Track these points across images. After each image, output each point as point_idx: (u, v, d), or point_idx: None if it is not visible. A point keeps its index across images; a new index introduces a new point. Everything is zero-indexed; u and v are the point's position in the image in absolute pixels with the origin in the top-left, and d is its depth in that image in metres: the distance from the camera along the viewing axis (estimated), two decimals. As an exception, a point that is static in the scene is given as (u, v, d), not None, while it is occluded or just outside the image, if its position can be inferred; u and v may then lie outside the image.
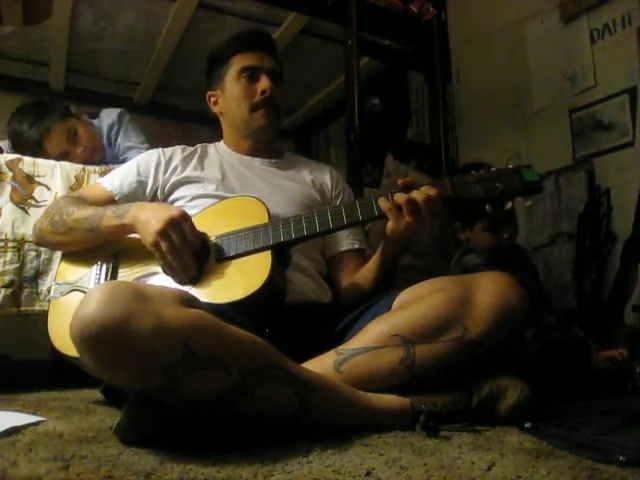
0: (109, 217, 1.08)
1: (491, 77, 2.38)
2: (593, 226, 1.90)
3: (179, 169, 1.27)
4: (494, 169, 1.01)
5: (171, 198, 1.26)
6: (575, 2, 2.03)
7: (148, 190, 1.25)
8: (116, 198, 1.22)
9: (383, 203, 1.01)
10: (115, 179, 1.25)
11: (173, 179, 1.26)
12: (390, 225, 1.04)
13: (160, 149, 1.33)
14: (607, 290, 1.79)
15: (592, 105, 1.96)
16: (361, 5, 2.09)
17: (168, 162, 1.28)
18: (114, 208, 1.11)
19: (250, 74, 1.29)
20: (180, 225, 1.01)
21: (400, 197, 0.99)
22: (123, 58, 2.67)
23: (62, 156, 1.65)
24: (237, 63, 1.30)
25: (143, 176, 1.26)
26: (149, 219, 1.02)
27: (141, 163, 1.28)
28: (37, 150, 1.62)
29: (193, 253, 1.02)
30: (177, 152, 1.32)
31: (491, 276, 1.00)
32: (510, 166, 1.02)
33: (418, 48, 2.43)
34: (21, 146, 1.65)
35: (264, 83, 1.27)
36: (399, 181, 1.03)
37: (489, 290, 0.95)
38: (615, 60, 1.90)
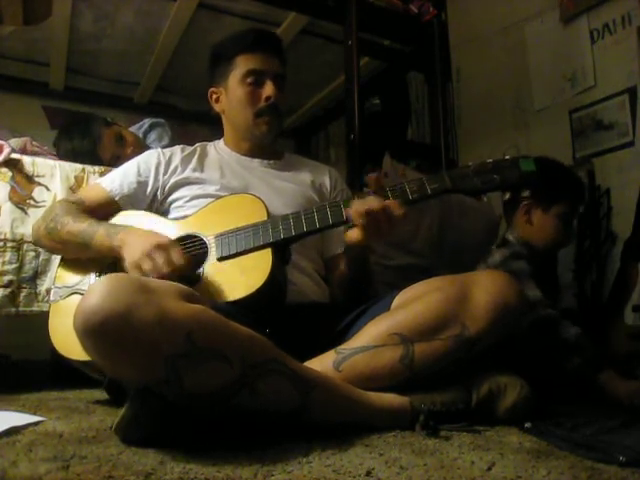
0: (101, 235, 1.07)
1: (491, 77, 2.38)
2: (593, 226, 1.90)
3: (179, 169, 1.27)
4: (491, 160, 1.01)
5: (170, 198, 1.26)
6: (575, 2, 2.02)
7: (148, 190, 1.25)
8: (116, 198, 1.22)
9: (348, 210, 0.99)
10: (115, 179, 1.25)
11: (173, 180, 1.26)
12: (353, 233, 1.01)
13: (159, 149, 1.33)
14: (607, 290, 1.79)
15: (592, 105, 1.96)
16: (361, 5, 2.09)
17: (168, 162, 1.28)
18: (107, 227, 1.10)
19: (255, 78, 1.26)
20: (167, 250, 0.98)
21: (361, 206, 0.96)
22: (123, 58, 2.66)
23: (114, 160, 1.70)
24: (242, 64, 1.27)
25: (143, 176, 1.25)
26: (136, 241, 1.01)
27: (141, 163, 1.28)
28: (92, 160, 1.67)
29: (180, 276, 0.97)
30: (177, 152, 1.31)
31: (489, 274, 1.01)
32: (507, 157, 1.02)
33: (418, 48, 2.42)
34: (77, 161, 1.69)
35: (269, 89, 1.25)
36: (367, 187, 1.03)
37: (487, 288, 0.96)
38: (615, 60, 1.90)
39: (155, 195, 1.26)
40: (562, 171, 1.52)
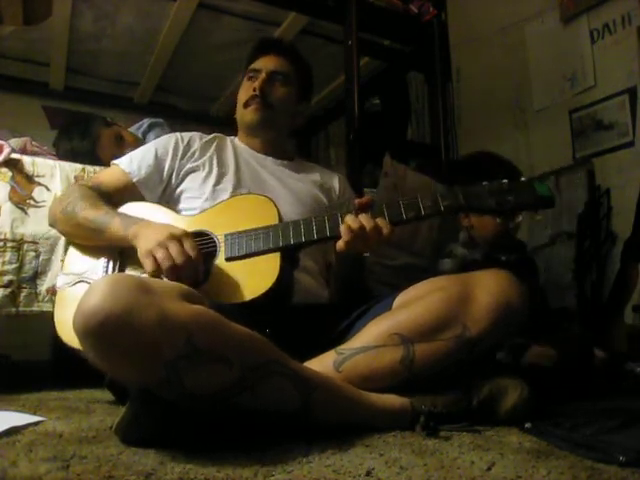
0: (116, 224, 1.07)
1: (491, 77, 2.38)
2: (593, 226, 1.90)
3: (197, 155, 1.28)
4: (505, 181, 1.02)
5: (182, 186, 1.25)
6: (575, 2, 2.03)
7: (165, 174, 1.25)
8: (134, 180, 1.22)
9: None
10: (133, 161, 1.24)
11: (189, 165, 1.26)
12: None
13: (178, 133, 1.33)
14: (607, 290, 1.79)
15: (592, 105, 1.96)
16: (361, 5, 2.09)
17: (187, 147, 1.29)
18: (123, 217, 1.09)
19: (252, 75, 1.36)
20: (181, 240, 0.98)
21: (353, 222, 0.97)
22: (123, 58, 2.67)
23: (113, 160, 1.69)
24: (247, 70, 1.39)
25: (160, 159, 1.25)
26: (150, 233, 1.01)
27: (159, 146, 1.28)
28: (92, 160, 1.66)
29: (192, 268, 0.97)
30: (196, 138, 1.32)
31: (491, 274, 0.99)
32: (523, 179, 1.04)
33: (418, 48, 2.42)
34: (77, 161, 1.68)
35: (257, 82, 1.32)
36: (356, 201, 1.04)
37: (489, 288, 0.95)
38: (615, 60, 1.90)
39: (170, 179, 1.25)
40: (494, 164, 1.53)
